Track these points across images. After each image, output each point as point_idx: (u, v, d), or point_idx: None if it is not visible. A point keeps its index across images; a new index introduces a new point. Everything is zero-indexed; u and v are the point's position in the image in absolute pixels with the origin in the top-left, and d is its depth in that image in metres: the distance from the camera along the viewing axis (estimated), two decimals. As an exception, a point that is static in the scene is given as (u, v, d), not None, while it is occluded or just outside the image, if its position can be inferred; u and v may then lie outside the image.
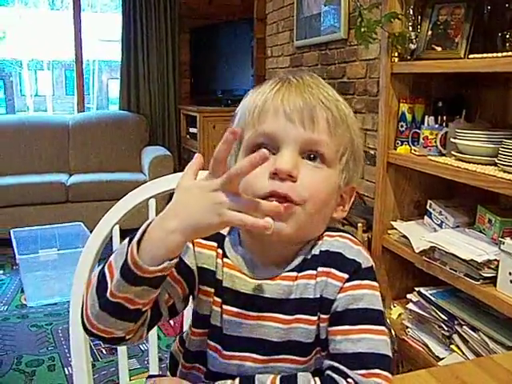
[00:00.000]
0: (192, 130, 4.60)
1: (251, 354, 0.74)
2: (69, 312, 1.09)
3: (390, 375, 0.67)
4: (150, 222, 0.65)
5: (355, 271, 0.72)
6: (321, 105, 0.72)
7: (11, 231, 3.40)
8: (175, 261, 0.64)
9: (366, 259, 0.74)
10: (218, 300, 0.76)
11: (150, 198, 1.16)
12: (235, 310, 0.75)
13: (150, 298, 0.67)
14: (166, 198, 1.00)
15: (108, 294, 0.65)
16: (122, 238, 1.04)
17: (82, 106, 4.98)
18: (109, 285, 0.65)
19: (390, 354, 0.69)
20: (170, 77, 4.86)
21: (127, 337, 0.70)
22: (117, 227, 1.13)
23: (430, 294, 1.88)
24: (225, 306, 0.75)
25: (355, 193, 0.80)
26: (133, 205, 1.14)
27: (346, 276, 0.72)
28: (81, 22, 4.80)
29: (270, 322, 0.73)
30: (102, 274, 0.67)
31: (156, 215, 0.66)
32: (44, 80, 11.09)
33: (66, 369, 2.33)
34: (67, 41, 5.00)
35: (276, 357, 0.74)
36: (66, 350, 2.47)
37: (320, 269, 0.73)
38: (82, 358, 1.08)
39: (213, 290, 0.76)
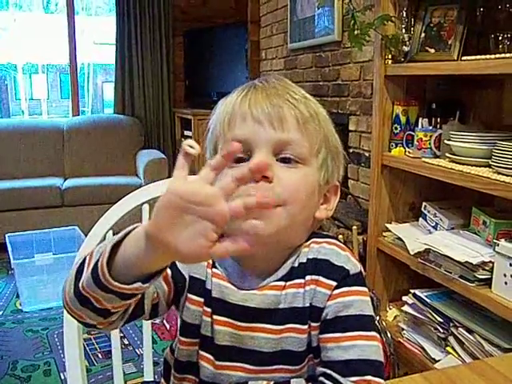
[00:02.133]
0: (187, 132, 4.60)
1: (243, 364, 0.74)
2: (64, 317, 1.08)
3: (382, 381, 0.67)
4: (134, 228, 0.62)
5: (343, 278, 0.71)
6: (288, 104, 0.71)
7: (6, 236, 3.38)
8: (147, 285, 0.61)
9: (353, 265, 0.73)
10: (208, 310, 0.75)
11: (144, 203, 1.15)
12: (226, 319, 0.74)
13: (121, 304, 0.64)
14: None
15: (80, 285, 0.63)
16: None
17: (77, 110, 4.97)
18: (83, 275, 0.63)
19: (382, 360, 0.68)
20: (165, 80, 4.86)
21: (98, 326, 0.69)
22: (110, 233, 1.12)
23: (426, 296, 1.88)
24: (215, 316, 0.75)
25: (339, 191, 0.78)
26: (127, 210, 1.13)
27: (334, 283, 0.71)
28: (75, 25, 4.79)
29: (261, 333, 0.73)
30: (83, 260, 0.65)
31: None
32: (39, 84, 11.06)
33: (61, 374, 2.32)
34: (62, 44, 4.99)
35: (269, 367, 0.73)
36: (62, 355, 2.46)
37: (308, 277, 0.73)
38: (77, 362, 1.06)
39: (202, 300, 0.75)
